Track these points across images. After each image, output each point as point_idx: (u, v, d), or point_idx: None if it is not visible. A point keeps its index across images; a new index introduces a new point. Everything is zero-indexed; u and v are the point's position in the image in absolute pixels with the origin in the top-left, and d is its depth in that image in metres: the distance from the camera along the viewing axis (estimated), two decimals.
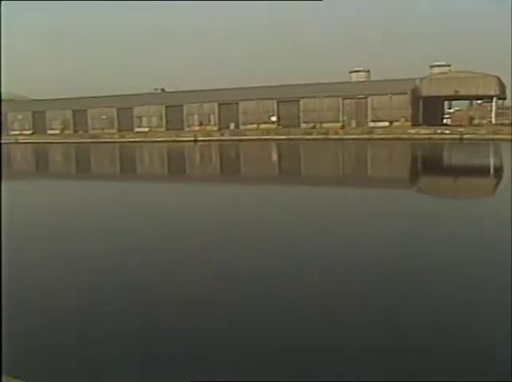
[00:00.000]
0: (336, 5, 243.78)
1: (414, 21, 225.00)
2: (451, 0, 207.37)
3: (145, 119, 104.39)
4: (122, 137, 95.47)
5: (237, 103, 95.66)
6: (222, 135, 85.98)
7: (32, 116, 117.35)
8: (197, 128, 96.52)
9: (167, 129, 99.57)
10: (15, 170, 54.33)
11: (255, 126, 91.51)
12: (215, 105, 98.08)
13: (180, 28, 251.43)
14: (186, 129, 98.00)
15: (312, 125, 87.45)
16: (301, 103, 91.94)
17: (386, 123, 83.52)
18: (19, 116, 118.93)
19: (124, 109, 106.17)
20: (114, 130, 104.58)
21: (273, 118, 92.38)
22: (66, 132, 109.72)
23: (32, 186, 36.98)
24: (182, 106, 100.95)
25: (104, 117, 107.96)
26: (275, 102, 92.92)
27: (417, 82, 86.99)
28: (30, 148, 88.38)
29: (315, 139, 76.09)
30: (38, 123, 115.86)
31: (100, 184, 37.54)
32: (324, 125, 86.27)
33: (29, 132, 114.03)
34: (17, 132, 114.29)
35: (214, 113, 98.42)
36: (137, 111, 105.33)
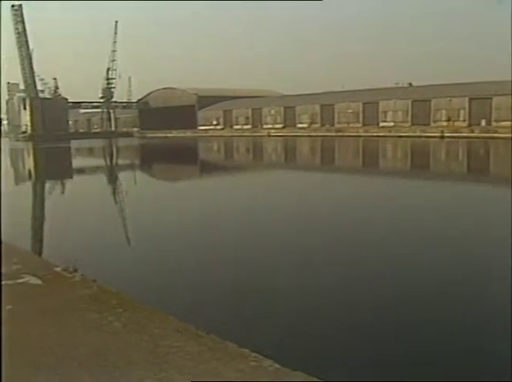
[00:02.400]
0: None
1: None
2: None
3: (390, 114, 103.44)
4: (367, 131, 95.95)
5: (490, 98, 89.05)
6: (471, 132, 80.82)
7: (283, 111, 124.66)
8: (444, 124, 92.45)
9: (412, 124, 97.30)
10: (266, 162, 58.30)
11: (509, 123, 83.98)
12: (466, 100, 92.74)
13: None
14: (432, 124, 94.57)
15: None
16: None
17: None
18: (272, 111, 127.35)
19: (369, 103, 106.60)
20: (359, 125, 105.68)
21: None
22: (313, 126, 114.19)
23: (277, 176, 39.31)
24: (430, 101, 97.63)
25: (350, 111, 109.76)
26: None
27: None
28: (280, 141, 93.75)
29: None
30: (289, 117, 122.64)
31: (338, 177, 38.26)
32: None
33: (280, 126, 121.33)
34: (270, 126, 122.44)
35: (464, 108, 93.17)
36: (382, 105, 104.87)
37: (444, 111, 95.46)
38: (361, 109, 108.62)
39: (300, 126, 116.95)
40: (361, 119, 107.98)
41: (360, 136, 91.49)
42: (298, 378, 3.89)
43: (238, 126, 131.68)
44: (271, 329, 8.52)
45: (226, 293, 10.75)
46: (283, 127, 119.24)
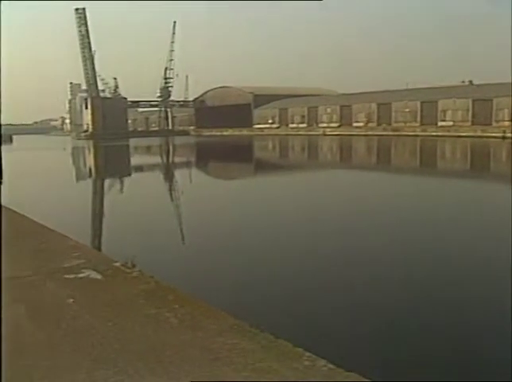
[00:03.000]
0: None
1: None
2: None
3: (449, 113, 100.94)
4: (424, 131, 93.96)
5: None
6: None
7: (339, 110, 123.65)
8: (507, 123, 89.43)
9: (472, 123, 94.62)
10: (321, 161, 58.03)
11: None
12: None
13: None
14: (494, 124, 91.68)
15: None
16: None
17: None
18: (328, 110, 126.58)
19: (428, 102, 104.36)
20: (417, 124, 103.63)
21: None
22: (370, 125, 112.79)
23: (332, 176, 39.08)
24: (491, 100, 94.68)
25: (407, 110, 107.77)
26: None
27: None
28: (336, 140, 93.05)
29: None
30: (345, 116, 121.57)
31: (395, 177, 37.64)
32: None
33: (335, 125, 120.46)
34: (325, 125, 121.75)
35: None
36: (441, 104, 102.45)
37: (506, 111, 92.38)
38: (419, 108, 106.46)
39: (356, 125, 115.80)
40: (419, 118, 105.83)
41: (418, 135, 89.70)
42: (350, 378, 3.86)
43: (294, 125, 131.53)
44: (330, 330, 8.49)
45: (283, 292, 10.77)
46: (339, 126, 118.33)
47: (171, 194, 30.55)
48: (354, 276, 11.81)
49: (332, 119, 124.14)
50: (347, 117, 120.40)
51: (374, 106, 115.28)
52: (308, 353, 4.13)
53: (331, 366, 3.97)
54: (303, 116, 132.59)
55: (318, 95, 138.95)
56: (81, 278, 6.24)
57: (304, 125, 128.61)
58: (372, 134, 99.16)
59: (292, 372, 3.85)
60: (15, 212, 11.59)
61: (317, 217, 19.99)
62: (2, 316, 4.68)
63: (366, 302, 10.00)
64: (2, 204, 11.78)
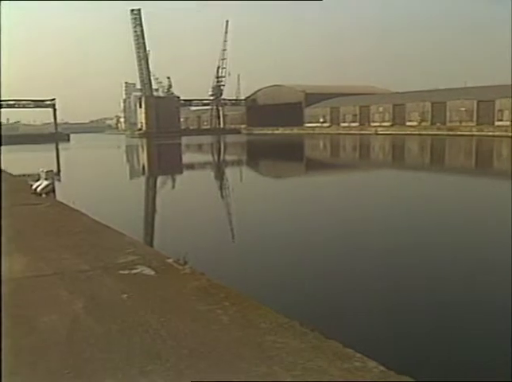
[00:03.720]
0: None
1: None
2: None
3: (506, 113, 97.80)
4: (480, 130, 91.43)
5: None
6: None
7: (392, 108, 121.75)
8: None
9: None
10: (373, 160, 57.32)
11: None
12: None
13: None
14: None
15: None
16: None
17: None
18: (380, 108, 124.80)
19: (485, 101, 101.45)
20: (473, 123, 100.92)
21: None
22: (423, 124, 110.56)
23: (384, 176, 38.54)
24: None
25: (463, 109, 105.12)
26: None
27: None
28: (388, 139, 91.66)
29: None
30: (398, 115, 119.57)
31: (449, 178, 36.76)
32: None
33: (388, 124, 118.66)
34: (377, 124, 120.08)
35: None
36: (499, 103, 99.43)
37: None
38: (475, 107, 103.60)
39: (409, 124, 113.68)
40: (475, 118, 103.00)
41: (473, 135, 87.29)
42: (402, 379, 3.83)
43: (345, 124, 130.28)
44: (382, 332, 8.40)
45: (334, 292, 10.73)
46: (391, 125, 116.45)
47: (221, 192, 30.81)
48: (408, 277, 11.65)
49: (385, 118, 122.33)
50: (400, 116, 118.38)
51: (428, 105, 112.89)
52: (358, 354, 4.11)
53: (382, 368, 3.94)
54: (355, 115, 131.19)
55: (370, 94, 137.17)
56: (135, 274, 6.40)
57: (356, 124, 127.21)
58: (426, 134, 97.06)
59: (343, 372, 3.85)
60: (72, 208, 11.96)
61: (367, 217, 19.78)
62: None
63: (424, 303, 9.85)
64: (61, 200, 12.18)
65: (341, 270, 12.46)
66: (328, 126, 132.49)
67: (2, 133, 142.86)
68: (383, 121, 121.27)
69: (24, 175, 26.77)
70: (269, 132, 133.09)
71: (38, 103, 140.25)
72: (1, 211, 10.02)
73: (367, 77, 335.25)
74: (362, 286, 11.08)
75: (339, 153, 73.31)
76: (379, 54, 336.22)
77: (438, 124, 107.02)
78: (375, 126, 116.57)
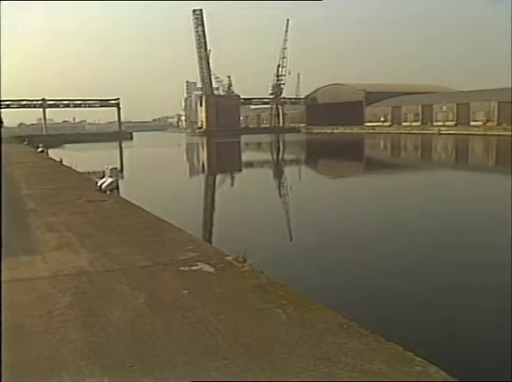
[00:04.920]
0: None
1: None
2: None
3: None
4: None
5: None
6: None
7: (456, 108, 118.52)
8: None
9: None
10: (435, 161, 56.01)
11: None
12: None
13: None
14: None
15: None
16: None
17: None
18: (443, 108, 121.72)
19: None
20: None
21: None
22: (489, 124, 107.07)
23: (446, 177, 37.60)
24: None
25: None
26: None
27: None
28: (451, 139, 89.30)
29: None
30: (462, 115, 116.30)
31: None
32: None
33: (451, 123, 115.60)
34: (440, 123, 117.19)
35: None
36: None
37: None
38: None
39: (473, 124, 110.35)
40: None
41: None
42: None
43: (407, 123, 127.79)
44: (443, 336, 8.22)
45: (393, 293, 10.57)
46: (455, 125, 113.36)
47: (279, 191, 30.84)
48: (470, 279, 11.35)
49: (448, 118, 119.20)
50: (464, 115, 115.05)
51: (494, 104, 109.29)
52: (419, 358, 4.04)
53: (443, 374, 3.85)
54: (417, 114, 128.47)
55: (433, 93, 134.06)
56: (195, 270, 6.50)
57: (418, 123, 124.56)
58: (491, 134, 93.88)
59: (403, 376, 3.79)
60: (135, 205, 12.26)
61: (426, 217, 19.36)
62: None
63: (489, 307, 9.58)
64: (124, 197, 12.50)
65: (400, 271, 12.26)
66: (389, 126, 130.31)
67: (69, 131, 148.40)
68: (446, 120, 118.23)
69: (89, 173, 27.62)
70: (329, 131, 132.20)
71: (103, 103, 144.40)
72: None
73: (430, 75, 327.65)
74: (421, 288, 10.87)
75: (400, 152, 72.02)
76: (444, 52, 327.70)
77: (504, 124, 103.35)
78: (438, 126, 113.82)
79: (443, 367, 3.92)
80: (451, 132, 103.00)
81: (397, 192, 28.10)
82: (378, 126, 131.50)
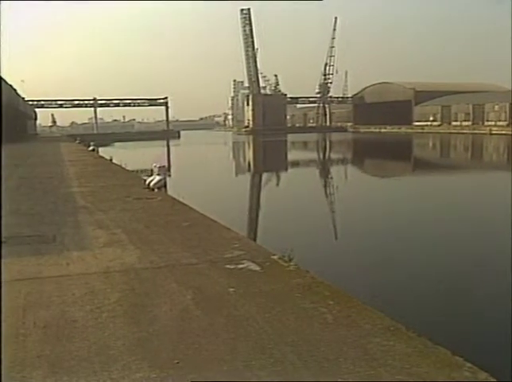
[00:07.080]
0: None
1: None
2: None
3: None
4: None
5: None
6: None
7: (509, 107, 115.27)
8: None
9: None
10: (485, 162, 54.67)
11: None
12: None
13: None
14: None
15: None
16: None
17: None
18: (496, 107, 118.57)
19: None
20: None
21: None
22: None
23: (497, 178, 36.61)
24: None
25: None
26: None
27: None
28: (504, 139, 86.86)
29: None
30: None
31: None
32: None
33: (504, 123, 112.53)
34: (492, 123, 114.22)
35: None
36: None
37: None
38: None
39: None
40: None
41: None
42: None
43: (457, 123, 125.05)
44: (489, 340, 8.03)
45: (439, 295, 10.39)
46: (507, 125, 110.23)
47: (325, 190, 30.68)
48: None
49: (500, 118, 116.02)
50: None
51: None
52: (468, 364, 3.95)
53: (493, 380, 3.76)
54: (467, 114, 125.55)
55: (485, 92, 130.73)
56: (241, 268, 6.53)
57: (469, 123, 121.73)
58: None
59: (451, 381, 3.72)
60: (182, 203, 12.41)
61: (474, 218, 18.91)
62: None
63: None
64: (171, 195, 12.67)
65: (450, 274, 12.02)
66: (439, 125, 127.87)
67: (119, 130, 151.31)
68: (498, 120, 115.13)
69: (137, 171, 28.12)
70: (376, 130, 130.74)
71: (152, 102, 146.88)
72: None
73: (482, 74, 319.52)
74: (470, 291, 10.63)
75: (450, 152, 70.59)
76: (496, 50, 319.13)
77: None
78: (489, 126, 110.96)
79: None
80: (503, 132, 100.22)
81: (446, 194, 27.53)
82: (426, 125, 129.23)
